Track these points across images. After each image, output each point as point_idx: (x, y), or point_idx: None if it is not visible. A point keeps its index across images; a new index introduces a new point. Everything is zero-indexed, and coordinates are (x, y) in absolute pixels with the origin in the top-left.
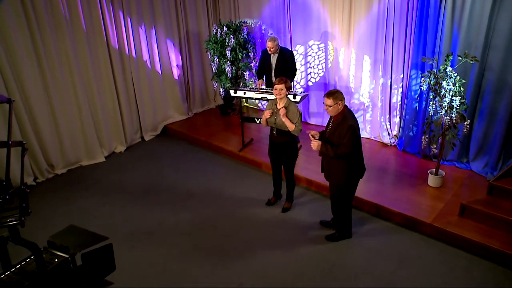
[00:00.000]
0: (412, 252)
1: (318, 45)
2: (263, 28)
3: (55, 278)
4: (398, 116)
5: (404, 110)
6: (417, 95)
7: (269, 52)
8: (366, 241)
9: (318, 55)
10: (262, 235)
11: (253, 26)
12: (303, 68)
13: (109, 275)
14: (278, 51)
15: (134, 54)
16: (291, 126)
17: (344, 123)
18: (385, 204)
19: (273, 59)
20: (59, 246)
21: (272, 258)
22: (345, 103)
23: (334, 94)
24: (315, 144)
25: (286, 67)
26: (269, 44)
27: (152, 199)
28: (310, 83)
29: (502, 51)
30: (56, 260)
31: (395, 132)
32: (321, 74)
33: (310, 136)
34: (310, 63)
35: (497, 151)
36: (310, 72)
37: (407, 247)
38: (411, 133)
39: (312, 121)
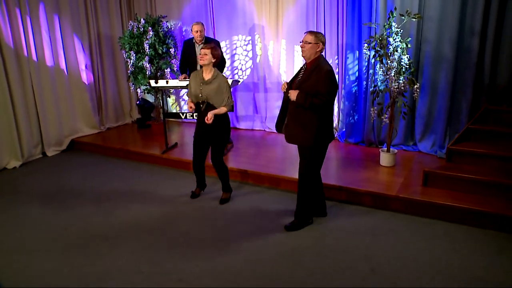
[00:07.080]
0: (384, 227)
1: (244, 39)
2: (183, 30)
3: None
4: (336, 106)
5: (342, 97)
6: (355, 77)
7: (196, 40)
8: (330, 224)
9: (245, 50)
10: (200, 229)
11: (172, 29)
12: (228, 64)
13: None
14: (203, 40)
15: (34, 55)
16: (222, 110)
17: (320, 70)
18: (344, 184)
19: (198, 49)
20: None
21: (214, 252)
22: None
23: (318, 34)
24: (293, 94)
25: None
26: (196, 28)
27: (56, 206)
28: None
29: (436, 22)
30: None
31: (334, 124)
32: (249, 72)
33: (283, 88)
34: (235, 60)
35: (443, 128)
36: (237, 71)
37: (376, 223)
38: (352, 120)
39: (242, 125)
